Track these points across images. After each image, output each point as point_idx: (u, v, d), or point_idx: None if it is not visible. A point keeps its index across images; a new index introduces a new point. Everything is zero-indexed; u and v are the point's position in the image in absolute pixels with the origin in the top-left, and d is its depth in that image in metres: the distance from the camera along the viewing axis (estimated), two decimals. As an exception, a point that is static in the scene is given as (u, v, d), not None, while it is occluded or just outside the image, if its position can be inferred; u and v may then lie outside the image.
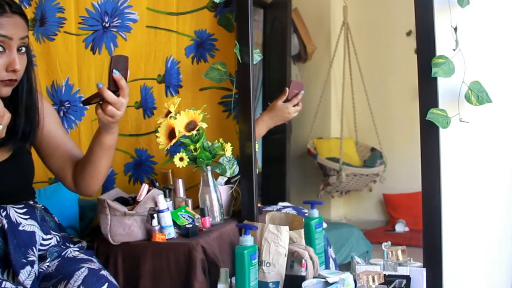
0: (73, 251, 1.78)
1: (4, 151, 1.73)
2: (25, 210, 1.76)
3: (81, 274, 1.63)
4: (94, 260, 1.78)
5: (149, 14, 2.29)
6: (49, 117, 1.85)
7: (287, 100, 2.30)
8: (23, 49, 1.67)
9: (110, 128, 1.70)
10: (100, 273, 1.66)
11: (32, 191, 1.87)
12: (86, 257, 1.77)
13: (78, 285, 1.60)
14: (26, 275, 1.66)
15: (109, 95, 1.59)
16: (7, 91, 1.67)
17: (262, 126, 2.30)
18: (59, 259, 1.74)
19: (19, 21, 1.66)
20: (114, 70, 1.58)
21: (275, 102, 2.31)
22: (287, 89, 2.30)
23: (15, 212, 1.73)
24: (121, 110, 1.63)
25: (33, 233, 1.74)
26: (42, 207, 1.85)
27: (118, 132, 1.75)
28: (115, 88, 1.60)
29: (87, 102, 1.63)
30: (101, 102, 1.61)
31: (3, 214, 1.72)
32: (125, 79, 1.62)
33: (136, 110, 2.33)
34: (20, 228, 1.72)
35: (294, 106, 2.32)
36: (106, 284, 1.63)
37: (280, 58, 2.77)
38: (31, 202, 1.82)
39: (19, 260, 1.67)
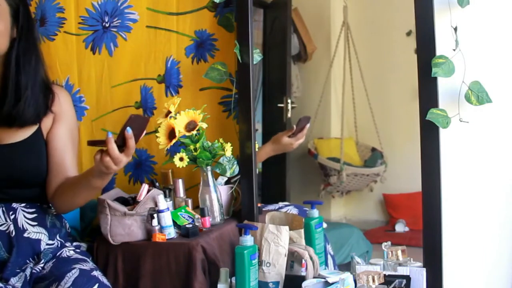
0: (68, 251, 1.78)
1: (23, 132, 1.75)
2: (35, 215, 1.77)
3: (72, 276, 1.63)
4: (88, 260, 1.78)
5: (149, 14, 2.29)
6: (65, 117, 1.85)
7: (293, 135, 2.39)
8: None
9: (102, 175, 1.65)
10: (91, 274, 1.66)
11: (45, 193, 1.86)
12: (80, 257, 1.77)
13: (68, 286, 1.60)
14: (17, 279, 1.67)
15: (112, 147, 1.56)
16: None
17: (263, 155, 2.41)
18: (54, 260, 1.74)
19: None
20: (127, 128, 1.56)
21: (280, 137, 2.41)
22: (294, 126, 2.39)
23: (23, 217, 1.74)
24: (118, 166, 1.59)
25: (38, 241, 1.75)
26: (55, 213, 1.86)
27: (109, 180, 1.71)
28: (122, 143, 1.58)
29: (92, 143, 1.62)
30: (104, 149, 1.59)
31: (11, 217, 1.73)
32: (137, 139, 1.59)
33: (136, 110, 2.33)
34: (25, 235, 1.74)
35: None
36: (97, 285, 1.63)
37: (280, 58, 2.77)
38: (45, 206, 1.83)
39: (13, 270, 1.68)
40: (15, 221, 1.73)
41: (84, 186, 1.72)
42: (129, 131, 1.56)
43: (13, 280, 1.66)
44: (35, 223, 1.77)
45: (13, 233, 1.72)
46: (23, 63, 1.73)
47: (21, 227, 1.73)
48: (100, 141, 1.59)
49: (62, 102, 1.85)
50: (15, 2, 1.73)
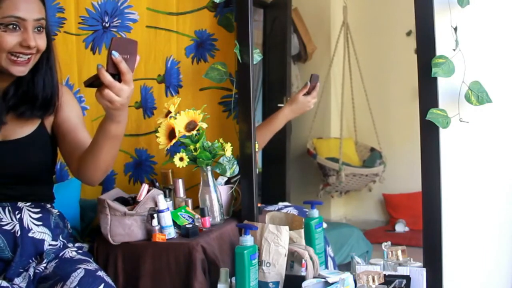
0: (70, 252, 1.79)
1: (26, 127, 1.78)
2: (40, 215, 1.78)
3: (77, 275, 1.64)
4: (91, 260, 1.78)
5: (149, 14, 2.29)
6: (67, 105, 1.86)
7: (307, 94, 2.41)
8: (41, 29, 1.71)
9: (113, 115, 1.59)
10: (97, 273, 1.67)
11: (51, 192, 1.89)
12: (83, 257, 1.77)
13: (74, 286, 1.61)
14: (21, 279, 1.68)
15: (105, 77, 1.49)
16: (19, 70, 1.70)
17: (282, 119, 2.44)
18: (56, 260, 1.74)
19: (32, 2, 1.69)
20: (113, 52, 1.47)
21: (296, 96, 2.44)
22: (308, 83, 2.41)
23: (29, 216, 1.75)
24: (120, 96, 1.52)
25: (42, 241, 1.76)
26: (58, 213, 1.86)
27: (125, 122, 1.64)
28: (115, 71, 1.50)
29: (88, 83, 1.54)
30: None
31: (17, 216, 1.74)
32: (132, 64, 1.54)
33: (136, 110, 2.33)
34: (30, 234, 1.74)
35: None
36: (102, 285, 1.64)
37: (280, 58, 2.77)
38: (48, 206, 1.84)
39: (16, 270, 1.68)
40: (20, 220, 1.74)
41: (101, 139, 1.66)
42: (115, 55, 1.47)
43: (17, 280, 1.67)
44: (40, 223, 1.78)
45: (19, 232, 1.72)
46: (51, 67, 1.82)
47: (26, 226, 1.74)
48: (93, 76, 1.51)
49: (64, 93, 1.88)
50: (46, 15, 1.77)
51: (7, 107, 1.76)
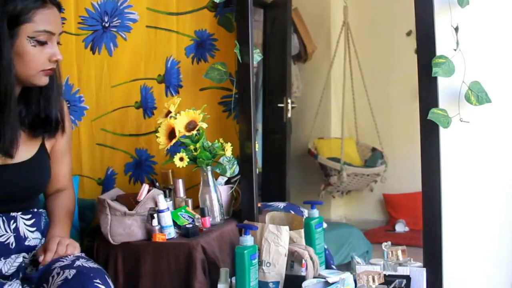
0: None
1: (29, 149, 1.76)
2: (33, 220, 1.78)
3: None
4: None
5: (149, 14, 2.29)
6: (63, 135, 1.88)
7: None
8: (59, 40, 1.74)
9: None
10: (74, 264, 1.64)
11: (38, 198, 1.89)
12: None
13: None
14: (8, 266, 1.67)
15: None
16: (46, 80, 1.72)
17: None
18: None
19: (58, 15, 1.72)
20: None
21: None
22: None
23: (24, 225, 1.74)
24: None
25: (35, 246, 1.76)
26: (45, 211, 1.87)
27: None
28: None
29: None
30: None
31: (12, 227, 1.72)
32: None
33: (136, 110, 2.33)
34: (26, 243, 1.74)
35: None
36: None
37: (280, 58, 2.77)
38: (40, 210, 1.83)
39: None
40: (16, 230, 1.73)
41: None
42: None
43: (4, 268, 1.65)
44: (34, 229, 1.78)
45: (13, 245, 1.71)
46: (60, 81, 1.83)
47: (23, 235, 1.74)
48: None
49: (67, 115, 1.90)
50: None
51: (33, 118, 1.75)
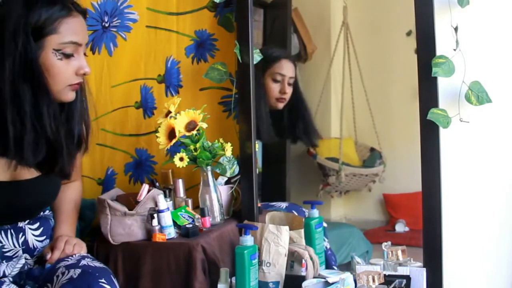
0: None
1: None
2: (41, 229, 1.76)
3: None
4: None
5: (149, 14, 2.29)
6: None
7: None
8: (85, 51, 1.64)
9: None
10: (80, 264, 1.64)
11: None
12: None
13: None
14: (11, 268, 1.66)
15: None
16: (73, 95, 1.63)
17: None
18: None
19: (83, 24, 1.61)
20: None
21: None
22: None
23: (32, 236, 1.73)
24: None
25: (45, 255, 1.73)
26: (51, 213, 1.85)
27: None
28: None
29: None
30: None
31: (21, 240, 1.69)
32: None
33: (136, 110, 2.33)
34: (35, 253, 1.73)
35: None
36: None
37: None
38: (45, 213, 1.82)
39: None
40: (25, 243, 1.70)
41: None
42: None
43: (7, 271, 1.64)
44: (43, 238, 1.76)
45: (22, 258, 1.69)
46: (82, 93, 1.72)
47: (32, 247, 1.71)
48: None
49: None
50: None
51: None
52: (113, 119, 2.32)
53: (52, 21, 1.53)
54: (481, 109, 1.88)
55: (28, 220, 1.72)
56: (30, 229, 1.72)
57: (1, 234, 1.66)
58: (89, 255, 1.72)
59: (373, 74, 2.84)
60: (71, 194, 1.87)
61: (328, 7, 2.96)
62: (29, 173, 1.65)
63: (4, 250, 1.65)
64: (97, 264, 1.64)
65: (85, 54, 1.63)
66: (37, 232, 1.74)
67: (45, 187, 1.70)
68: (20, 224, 1.70)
